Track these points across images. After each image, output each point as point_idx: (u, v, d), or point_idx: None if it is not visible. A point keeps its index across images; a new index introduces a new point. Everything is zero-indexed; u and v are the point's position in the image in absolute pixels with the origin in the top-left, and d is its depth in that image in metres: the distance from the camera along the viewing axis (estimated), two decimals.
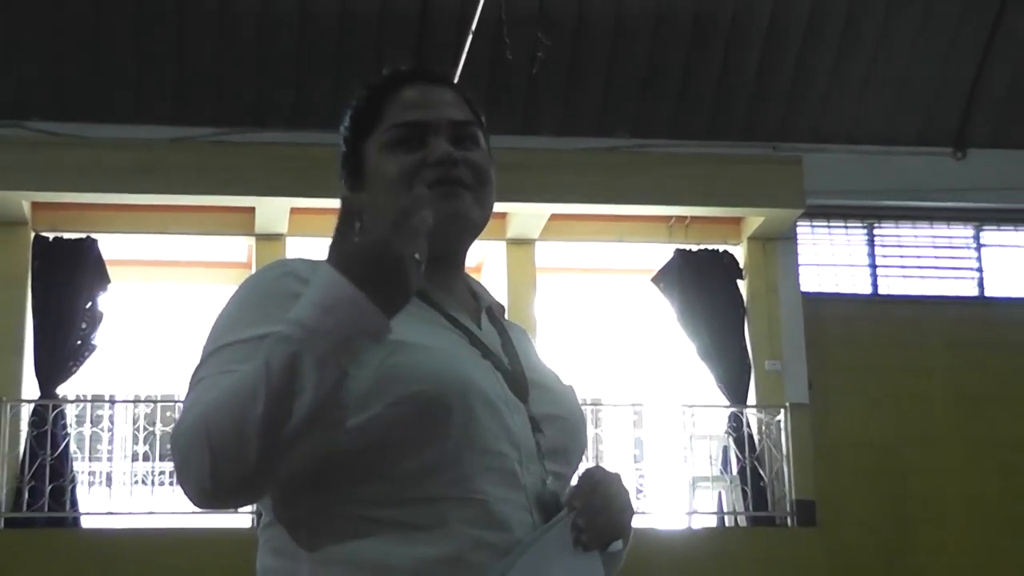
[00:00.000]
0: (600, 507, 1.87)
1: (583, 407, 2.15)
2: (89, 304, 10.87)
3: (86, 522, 10.71)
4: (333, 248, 1.71)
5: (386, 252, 1.67)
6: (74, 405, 11.02)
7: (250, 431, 1.67)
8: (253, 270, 10.54)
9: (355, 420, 1.80)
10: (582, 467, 1.98)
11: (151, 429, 10.82)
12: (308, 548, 1.82)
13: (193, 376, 1.86)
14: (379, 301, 1.67)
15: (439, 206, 1.95)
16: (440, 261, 2.00)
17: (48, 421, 10.39)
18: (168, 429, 10.79)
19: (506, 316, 2.14)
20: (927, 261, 12.42)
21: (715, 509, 11.31)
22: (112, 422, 11.37)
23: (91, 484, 11.36)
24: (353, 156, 2.06)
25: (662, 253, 11.68)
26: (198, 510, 2.20)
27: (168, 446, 10.55)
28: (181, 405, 1.88)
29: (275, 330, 1.70)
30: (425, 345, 1.86)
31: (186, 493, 1.78)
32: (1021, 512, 11.58)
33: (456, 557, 1.78)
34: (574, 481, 1.94)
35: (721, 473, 11.31)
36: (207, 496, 1.74)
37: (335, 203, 2.09)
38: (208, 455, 1.69)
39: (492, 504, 1.82)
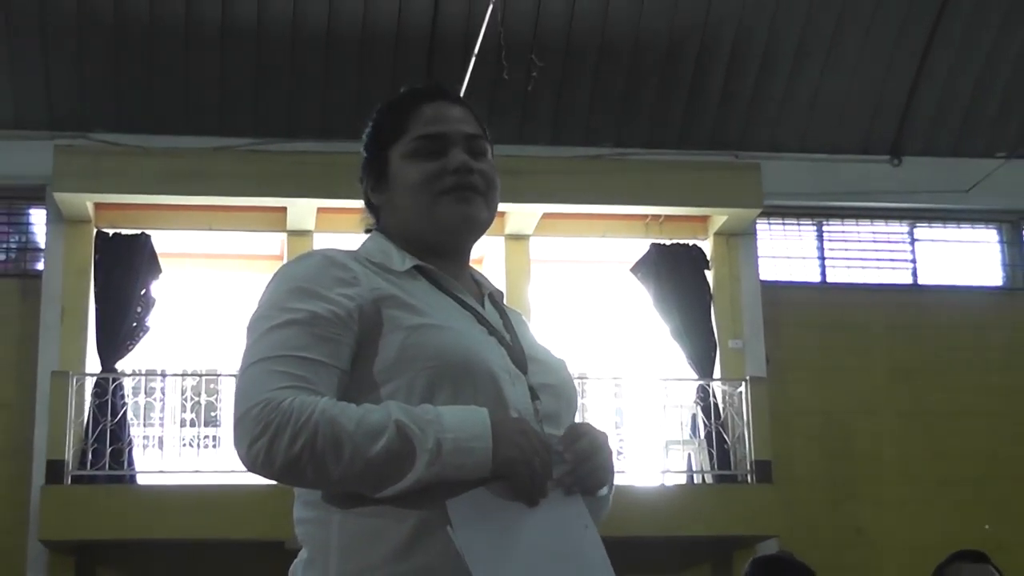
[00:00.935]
0: (585, 455, 1.84)
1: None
2: (143, 291, 10.86)
3: (141, 479, 10.70)
4: (507, 420, 1.79)
5: (529, 464, 1.76)
6: (131, 378, 11.00)
7: (336, 474, 1.74)
8: (284, 262, 10.53)
9: (382, 391, 1.82)
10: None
11: (197, 399, 10.82)
12: (339, 504, 1.82)
13: (250, 348, 1.84)
14: (497, 464, 1.75)
15: (455, 208, 1.96)
16: (451, 254, 2.02)
17: (108, 392, 10.39)
18: (212, 400, 10.79)
19: (504, 301, 2.13)
20: (868, 254, 12.39)
21: (685, 468, 11.30)
22: (164, 393, 11.35)
23: (145, 447, 11.31)
24: (376, 162, 2.05)
25: (640, 247, 11.66)
26: (239, 470, 2.19)
27: (215, 413, 10.60)
28: (234, 376, 1.87)
29: (414, 423, 1.73)
30: (440, 325, 1.87)
31: (245, 448, 1.76)
32: (945, 471, 11.58)
33: None
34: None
35: (690, 437, 11.29)
36: (262, 469, 1.76)
37: (357, 203, 2.10)
38: (293, 456, 1.73)
39: None
